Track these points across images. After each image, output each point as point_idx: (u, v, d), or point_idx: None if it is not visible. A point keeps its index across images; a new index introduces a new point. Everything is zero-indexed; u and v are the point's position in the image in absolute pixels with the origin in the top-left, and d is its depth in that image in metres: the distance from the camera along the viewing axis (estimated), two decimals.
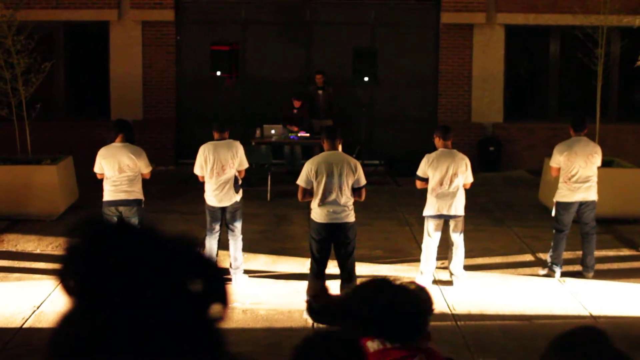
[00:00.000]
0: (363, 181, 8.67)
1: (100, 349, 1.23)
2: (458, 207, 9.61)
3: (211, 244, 9.80)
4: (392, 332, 3.52)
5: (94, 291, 1.25)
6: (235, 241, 9.83)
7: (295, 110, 16.33)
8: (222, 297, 1.31)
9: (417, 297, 3.63)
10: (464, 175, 9.57)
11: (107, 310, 1.24)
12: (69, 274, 1.26)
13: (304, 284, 8.94)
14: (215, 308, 1.31)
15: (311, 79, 17.03)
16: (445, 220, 9.68)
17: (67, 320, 1.27)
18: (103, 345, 1.23)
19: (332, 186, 8.52)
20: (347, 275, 8.70)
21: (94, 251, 1.26)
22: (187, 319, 1.27)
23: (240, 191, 9.87)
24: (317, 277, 8.70)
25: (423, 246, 9.78)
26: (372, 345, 3.51)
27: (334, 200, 8.54)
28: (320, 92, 16.74)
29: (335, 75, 16.83)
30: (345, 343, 3.20)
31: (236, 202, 9.80)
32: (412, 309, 3.58)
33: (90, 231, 1.29)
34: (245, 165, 9.90)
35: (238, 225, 9.84)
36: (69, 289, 1.26)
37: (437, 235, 9.68)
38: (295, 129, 15.71)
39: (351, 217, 8.67)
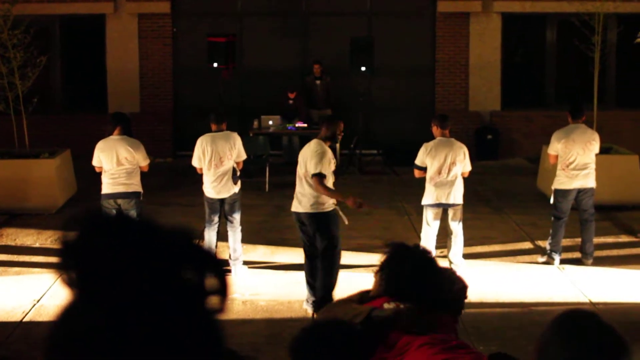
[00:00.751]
0: (312, 169, 8.39)
1: (99, 342, 1.23)
2: (457, 195, 9.61)
3: (210, 235, 9.80)
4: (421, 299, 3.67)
5: (92, 284, 1.25)
6: (234, 232, 9.83)
7: (290, 102, 16.34)
8: (222, 289, 1.31)
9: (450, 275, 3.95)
10: (462, 163, 9.57)
11: (105, 304, 1.24)
12: (68, 267, 1.26)
13: (303, 275, 8.94)
14: (215, 300, 1.31)
15: (308, 69, 17.02)
16: (444, 209, 9.68)
17: (65, 313, 1.27)
18: (101, 339, 1.23)
19: (297, 174, 8.65)
20: (322, 271, 8.61)
21: (91, 243, 1.26)
22: (186, 311, 1.27)
23: (239, 182, 9.87)
24: (308, 267, 8.77)
25: (422, 235, 9.79)
26: (387, 306, 3.64)
27: (298, 189, 8.67)
28: (318, 82, 16.73)
29: (332, 65, 16.81)
30: (343, 331, 3.21)
31: (235, 194, 9.80)
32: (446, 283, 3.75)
33: (88, 223, 1.29)
34: (243, 156, 9.89)
35: (237, 216, 9.85)
36: (68, 282, 1.26)
37: (436, 224, 9.69)
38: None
39: (313, 208, 8.52)
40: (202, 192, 9.89)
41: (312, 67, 16.78)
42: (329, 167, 8.53)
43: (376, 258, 10.21)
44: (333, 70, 16.81)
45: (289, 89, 16.32)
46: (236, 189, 9.82)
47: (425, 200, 9.69)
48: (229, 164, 9.70)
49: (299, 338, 3.19)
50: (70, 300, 1.26)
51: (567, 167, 10.12)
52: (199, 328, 1.28)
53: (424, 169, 9.62)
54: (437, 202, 9.59)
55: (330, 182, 8.55)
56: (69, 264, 1.25)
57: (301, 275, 9.11)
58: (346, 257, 9.39)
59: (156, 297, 1.24)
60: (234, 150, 9.72)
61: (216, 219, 9.83)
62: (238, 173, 9.86)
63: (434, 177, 9.54)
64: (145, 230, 1.29)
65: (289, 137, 16.40)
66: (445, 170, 9.50)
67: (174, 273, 1.26)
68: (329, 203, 8.58)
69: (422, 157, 9.59)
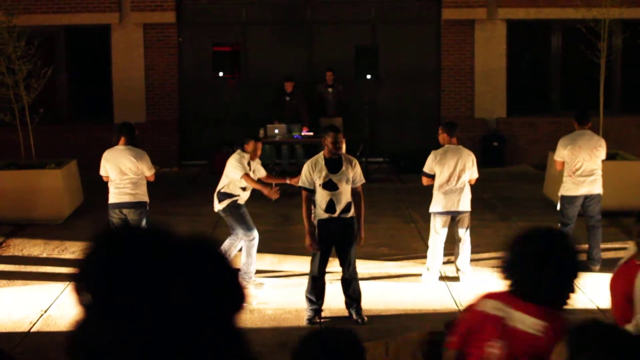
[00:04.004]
0: None
1: (121, 354, 1.23)
2: (465, 202, 9.60)
3: (228, 242, 9.77)
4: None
5: (115, 299, 1.25)
6: (242, 245, 9.73)
7: (287, 98, 16.27)
8: (240, 299, 1.31)
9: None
10: (471, 171, 9.57)
11: (128, 316, 1.24)
12: (90, 282, 1.26)
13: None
14: (233, 308, 1.31)
15: (313, 77, 17.04)
16: (452, 216, 9.67)
17: (84, 326, 1.27)
18: (123, 351, 1.23)
19: None
20: None
21: (114, 260, 1.26)
22: (209, 321, 1.27)
23: (226, 201, 9.70)
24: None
25: (430, 242, 9.78)
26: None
27: None
28: (330, 89, 16.70)
29: (337, 73, 16.81)
30: (343, 339, 3.22)
31: (220, 211, 9.79)
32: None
33: (111, 241, 1.29)
34: (231, 175, 9.67)
35: (237, 231, 9.72)
36: (85, 300, 1.26)
37: (445, 232, 9.68)
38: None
39: None
40: (212, 202, 9.96)
41: (325, 75, 16.74)
42: (307, 179, 8.58)
43: (383, 266, 10.16)
44: (338, 78, 16.81)
45: (285, 79, 16.28)
46: (219, 206, 9.75)
47: (433, 208, 9.68)
48: (223, 180, 9.74)
49: (301, 343, 3.21)
50: (87, 314, 1.26)
51: (573, 174, 10.11)
52: (221, 336, 1.28)
53: (432, 177, 9.61)
54: (446, 209, 9.58)
55: (320, 196, 8.55)
56: (90, 280, 1.25)
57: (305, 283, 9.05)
58: None
59: (179, 309, 1.24)
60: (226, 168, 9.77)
61: (231, 230, 9.81)
62: (221, 189, 9.78)
63: (443, 185, 9.53)
64: (167, 246, 1.28)
65: (291, 145, 16.33)
66: (454, 178, 9.50)
67: (195, 285, 1.26)
68: (317, 214, 8.68)
69: (431, 165, 9.58)
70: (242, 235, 9.69)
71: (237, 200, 9.73)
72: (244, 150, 9.75)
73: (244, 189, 9.74)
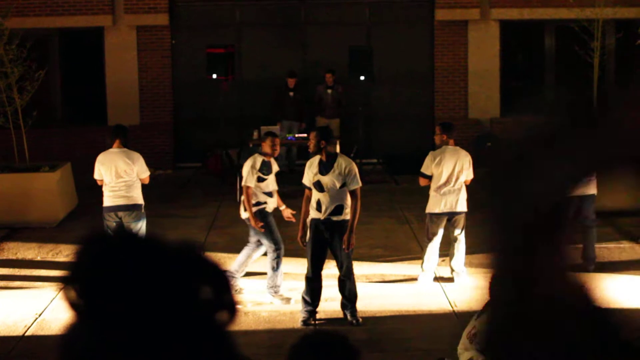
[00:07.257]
0: None
1: (112, 358, 1.23)
2: (462, 203, 9.62)
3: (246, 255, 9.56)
4: None
5: (101, 303, 1.24)
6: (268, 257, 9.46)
7: (291, 93, 16.26)
8: (230, 303, 1.31)
9: None
10: (467, 171, 9.59)
11: (116, 322, 1.23)
12: (78, 288, 1.26)
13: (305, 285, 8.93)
14: (224, 314, 1.30)
15: (306, 77, 17.03)
16: (448, 217, 9.68)
17: (74, 332, 1.26)
18: (114, 355, 1.23)
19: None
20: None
21: (100, 264, 1.26)
22: (197, 326, 1.27)
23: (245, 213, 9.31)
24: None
25: (426, 243, 9.78)
26: None
27: None
28: (329, 91, 16.68)
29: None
30: (339, 341, 3.22)
31: (246, 219, 9.33)
32: None
33: (96, 244, 1.29)
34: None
35: (263, 241, 9.38)
36: (75, 304, 1.26)
37: (440, 233, 9.69)
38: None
39: None
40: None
41: (325, 76, 16.71)
42: (306, 177, 8.72)
43: (378, 267, 10.17)
44: (335, 79, 16.78)
45: (288, 74, 16.28)
46: (244, 214, 9.29)
47: (431, 209, 9.67)
48: None
49: (296, 346, 3.22)
50: (76, 320, 1.25)
51: None
52: (210, 342, 1.28)
53: (429, 178, 9.61)
54: (445, 210, 9.59)
55: (313, 195, 8.64)
56: (77, 285, 1.25)
57: (303, 286, 9.03)
58: None
59: (166, 313, 1.23)
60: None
61: (250, 238, 9.52)
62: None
63: (442, 186, 9.53)
64: (152, 248, 1.28)
65: (288, 146, 16.32)
66: (453, 179, 9.51)
67: (182, 289, 1.26)
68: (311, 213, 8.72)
69: (430, 166, 9.57)
70: (268, 247, 9.25)
71: (264, 208, 9.20)
72: (260, 152, 9.24)
73: (269, 194, 9.25)
